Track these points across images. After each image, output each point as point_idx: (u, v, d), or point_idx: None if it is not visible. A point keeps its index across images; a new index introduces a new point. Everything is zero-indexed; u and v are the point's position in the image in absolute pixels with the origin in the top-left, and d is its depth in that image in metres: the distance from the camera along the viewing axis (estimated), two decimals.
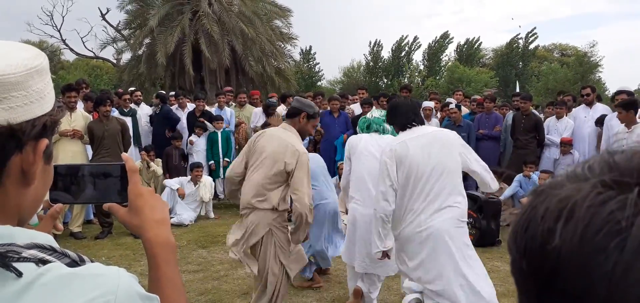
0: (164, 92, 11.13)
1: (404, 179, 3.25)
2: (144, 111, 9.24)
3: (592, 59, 30.13)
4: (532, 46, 37.11)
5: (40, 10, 32.49)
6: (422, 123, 3.46)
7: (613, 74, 56.46)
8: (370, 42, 38.45)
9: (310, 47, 37.59)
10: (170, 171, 8.22)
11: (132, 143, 7.66)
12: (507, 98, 18.16)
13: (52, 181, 0.84)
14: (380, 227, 3.29)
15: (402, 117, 3.40)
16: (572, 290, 0.43)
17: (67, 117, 6.48)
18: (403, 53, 37.32)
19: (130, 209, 0.93)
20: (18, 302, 0.63)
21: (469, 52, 37.73)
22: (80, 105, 7.22)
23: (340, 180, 5.14)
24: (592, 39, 58.54)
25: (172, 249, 0.91)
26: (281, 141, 3.45)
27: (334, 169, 7.41)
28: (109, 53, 31.81)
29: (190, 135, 8.72)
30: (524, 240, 0.47)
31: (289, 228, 3.62)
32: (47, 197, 0.86)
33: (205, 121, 8.64)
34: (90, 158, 6.70)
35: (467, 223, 3.45)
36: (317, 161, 4.91)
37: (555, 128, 7.89)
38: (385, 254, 3.40)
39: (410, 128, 3.37)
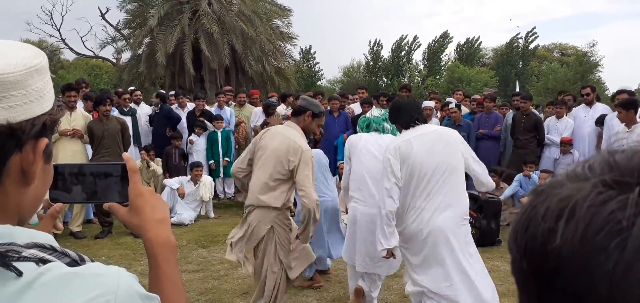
0: (163, 91, 11.13)
1: (407, 177, 3.26)
2: (144, 111, 9.24)
3: (592, 58, 30.13)
4: (532, 46, 37.12)
5: (40, 9, 32.35)
6: (425, 122, 3.49)
7: (613, 74, 56.55)
8: (370, 42, 38.53)
9: (310, 46, 37.65)
10: (170, 170, 8.22)
11: (131, 143, 7.66)
12: (507, 98, 18.15)
13: (52, 181, 0.84)
14: (385, 225, 3.28)
15: (406, 115, 3.42)
16: (573, 290, 0.43)
17: (66, 116, 6.48)
18: (403, 53, 37.32)
19: (131, 209, 0.93)
20: (18, 302, 0.63)
21: (469, 51, 37.73)
22: (80, 104, 7.22)
23: (340, 180, 5.14)
24: (592, 39, 58.71)
25: (172, 249, 0.91)
26: (284, 139, 3.46)
27: (334, 169, 7.41)
28: (108, 52, 31.87)
29: (190, 135, 8.71)
30: (524, 239, 0.47)
31: (294, 226, 3.63)
32: (47, 196, 0.86)
33: (205, 121, 8.64)
34: (90, 157, 6.70)
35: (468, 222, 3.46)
36: (317, 156, 4.91)
37: (555, 128, 7.89)
38: (391, 253, 3.36)
39: (413, 126, 3.38)
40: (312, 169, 3.41)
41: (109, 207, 0.95)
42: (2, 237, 0.67)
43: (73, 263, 0.70)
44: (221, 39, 17.00)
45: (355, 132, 4.54)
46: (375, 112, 4.20)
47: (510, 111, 8.72)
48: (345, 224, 4.70)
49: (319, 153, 5.15)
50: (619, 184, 0.43)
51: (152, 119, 8.97)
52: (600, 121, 7.31)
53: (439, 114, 8.70)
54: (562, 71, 28.79)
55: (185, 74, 17.36)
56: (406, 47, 37.38)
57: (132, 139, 7.61)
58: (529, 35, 36.92)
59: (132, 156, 6.64)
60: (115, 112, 7.65)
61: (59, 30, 27.12)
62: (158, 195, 0.97)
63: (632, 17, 62.61)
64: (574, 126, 7.76)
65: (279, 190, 3.43)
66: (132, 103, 8.98)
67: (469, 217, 3.40)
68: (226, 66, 17.35)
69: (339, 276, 5.12)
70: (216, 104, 9.41)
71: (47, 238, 0.71)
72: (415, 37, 37.32)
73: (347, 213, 4.48)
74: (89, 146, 6.79)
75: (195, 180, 7.73)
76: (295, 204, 4.93)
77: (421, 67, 38.07)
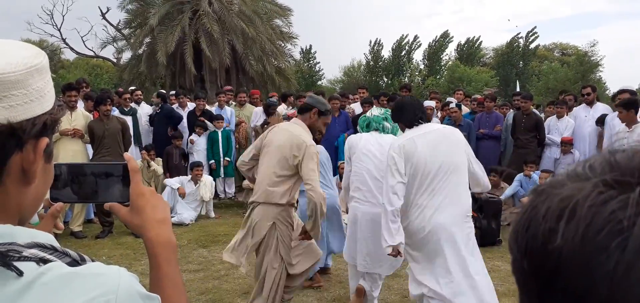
0: (164, 91, 11.13)
1: (411, 175, 3.29)
2: (145, 111, 9.24)
3: (592, 58, 30.12)
4: (532, 46, 37.11)
5: (41, 9, 32.48)
6: (429, 121, 3.51)
7: (613, 74, 56.51)
8: (370, 42, 38.55)
9: (311, 46, 37.66)
10: (171, 170, 8.22)
11: (132, 142, 7.66)
12: (508, 97, 18.15)
13: (53, 180, 0.84)
14: (390, 222, 3.27)
15: (410, 114, 3.44)
16: (574, 290, 0.43)
17: (67, 116, 6.48)
18: (403, 52, 37.33)
19: (132, 208, 0.93)
20: (19, 301, 0.64)
21: (470, 51, 37.73)
22: (80, 104, 7.22)
23: (341, 180, 5.14)
24: (593, 39, 58.63)
25: (173, 249, 0.92)
26: (289, 135, 3.49)
27: (335, 169, 7.41)
28: (109, 52, 31.88)
29: (190, 134, 8.71)
30: (525, 239, 0.47)
31: (299, 222, 3.63)
32: (47, 196, 0.86)
33: (206, 121, 8.64)
34: (90, 157, 6.70)
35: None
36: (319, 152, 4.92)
37: (556, 127, 7.89)
38: (396, 250, 3.33)
39: (417, 125, 3.41)
40: (318, 164, 3.44)
41: (110, 207, 0.95)
42: (3, 237, 0.67)
43: (73, 263, 0.70)
44: (222, 38, 16.99)
45: (355, 132, 4.54)
46: (376, 111, 4.20)
47: (511, 110, 8.72)
48: (346, 223, 4.70)
49: (320, 149, 5.15)
50: (620, 184, 0.43)
51: (152, 119, 8.97)
52: (600, 121, 7.31)
53: (439, 114, 8.70)
54: (562, 71, 28.79)
55: (185, 74, 17.36)
56: (406, 47, 37.40)
57: (132, 139, 7.61)
58: (530, 35, 36.93)
59: (133, 155, 6.63)
60: (115, 112, 7.65)
61: (59, 30, 27.19)
62: (159, 195, 0.97)
63: (632, 17, 62.61)
64: (574, 125, 7.76)
65: (283, 186, 3.44)
66: (133, 103, 8.98)
67: (471, 215, 3.42)
68: (227, 66, 17.35)
69: (339, 276, 5.12)
70: (216, 104, 9.41)
71: (48, 238, 0.71)
72: (416, 37, 37.39)
73: (347, 212, 4.48)
74: (89, 146, 6.79)
75: (195, 180, 7.73)
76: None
77: (422, 67, 38.08)
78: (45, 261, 0.66)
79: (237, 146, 8.82)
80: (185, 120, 8.96)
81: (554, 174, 0.49)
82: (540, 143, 7.86)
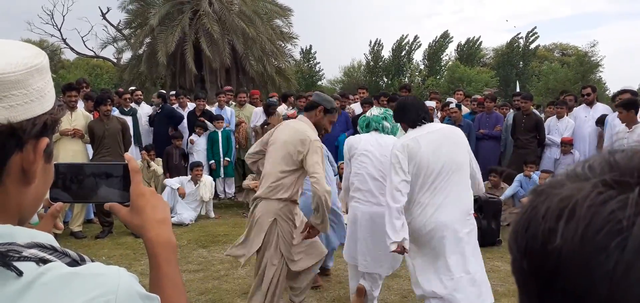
0: (164, 91, 11.13)
1: (414, 174, 3.32)
2: (145, 111, 9.24)
3: (592, 58, 30.13)
4: (532, 46, 37.11)
5: (41, 9, 32.58)
6: (431, 121, 3.53)
7: (613, 74, 56.46)
8: (370, 42, 38.55)
9: (311, 46, 37.67)
10: (171, 170, 8.23)
11: (132, 142, 7.66)
12: (508, 98, 18.16)
13: (53, 180, 0.84)
14: (394, 218, 3.28)
15: (413, 114, 3.46)
16: (573, 290, 0.43)
17: (67, 116, 6.48)
18: (403, 53, 37.33)
19: (132, 209, 0.93)
20: (19, 301, 0.64)
21: (470, 51, 37.74)
22: (80, 104, 7.22)
23: (341, 180, 5.14)
24: (593, 39, 58.67)
25: (173, 249, 0.92)
26: (293, 131, 3.53)
27: (335, 169, 7.40)
28: (109, 52, 31.90)
29: (190, 134, 8.72)
30: (524, 239, 0.47)
31: (302, 218, 3.64)
32: (47, 196, 0.86)
33: (206, 121, 8.64)
34: (90, 157, 6.70)
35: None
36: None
37: (556, 128, 7.89)
38: (401, 247, 3.32)
39: (420, 125, 3.42)
40: (322, 158, 3.45)
41: (110, 207, 0.95)
42: (3, 237, 0.67)
43: (73, 263, 0.70)
44: (222, 39, 17.00)
45: (355, 132, 4.54)
46: (375, 111, 4.21)
47: (511, 111, 8.72)
48: (346, 224, 4.70)
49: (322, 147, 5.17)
50: (619, 184, 0.43)
51: (152, 119, 8.97)
52: (600, 121, 7.31)
53: (439, 114, 8.70)
54: (562, 71, 28.80)
55: (186, 74, 17.37)
56: (406, 47, 37.40)
57: (132, 139, 7.61)
58: (530, 35, 36.94)
59: (133, 156, 6.64)
60: (115, 112, 7.65)
61: (59, 30, 27.20)
62: (159, 195, 0.97)
63: (632, 17, 62.63)
64: (574, 126, 7.76)
65: (287, 181, 3.47)
66: (133, 103, 8.99)
67: (472, 212, 3.45)
68: (227, 66, 17.36)
69: (339, 276, 5.12)
70: (216, 104, 9.41)
71: (48, 238, 0.71)
72: (416, 37, 37.39)
73: (347, 212, 4.48)
74: (89, 146, 6.79)
75: (195, 180, 7.73)
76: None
77: (422, 67, 38.09)
78: (45, 261, 0.66)
79: (237, 147, 8.82)
80: (185, 120, 8.96)
81: (553, 175, 0.49)
82: (540, 143, 7.87)
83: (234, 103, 9.51)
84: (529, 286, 0.48)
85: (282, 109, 9.01)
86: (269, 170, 3.52)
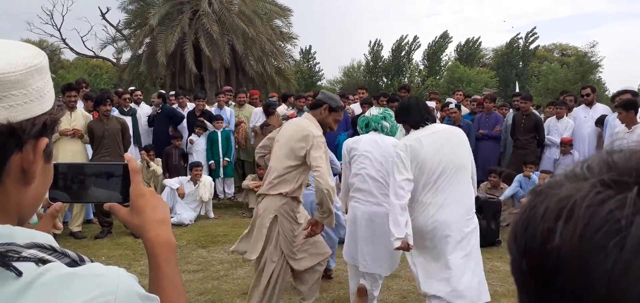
0: (164, 91, 11.12)
1: (416, 174, 3.33)
2: (144, 111, 9.23)
3: (592, 59, 30.15)
4: (532, 46, 37.12)
5: (41, 9, 32.49)
6: (434, 121, 3.55)
7: (613, 74, 56.49)
8: (370, 42, 38.54)
9: (310, 46, 37.66)
10: (170, 170, 8.22)
11: (132, 143, 7.66)
12: (507, 98, 18.17)
13: (52, 180, 0.84)
14: (398, 215, 3.27)
15: (416, 115, 3.48)
16: (572, 289, 0.43)
17: (67, 116, 6.48)
18: (403, 53, 37.34)
19: (132, 209, 0.93)
20: (18, 302, 0.64)
21: (469, 52, 37.76)
22: (80, 104, 7.22)
23: (340, 181, 5.13)
24: (593, 39, 58.71)
25: (172, 249, 0.92)
26: (297, 127, 3.56)
27: (337, 169, 7.41)
28: (109, 52, 31.84)
29: (190, 135, 8.71)
30: (523, 239, 0.48)
31: (305, 215, 3.65)
32: (46, 196, 0.86)
33: (205, 121, 8.64)
34: (90, 157, 6.70)
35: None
36: None
37: (556, 128, 7.90)
38: (405, 243, 3.30)
39: (423, 125, 3.44)
40: (326, 153, 3.46)
41: (110, 207, 0.95)
42: (2, 237, 0.67)
43: (73, 263, 0.70)
44: (221, 39, 17.00)
45: (355, 132, 4.54)
46: (374, 111, 4.21)
47: (511, 111, 8.72)
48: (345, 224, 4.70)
49: None
50: (617, 183, 0.43)
51: (151, 119, 8.97)
52: (600, 122, 7.31)
53: (439, 115, 8.70)
54: (562, 72, 28.82)
55: (185, 74, 17.37)
56: (406, 48, 37.41)
57: (132, 139, 7.61)
58: (529, 35, 36.95)
59: (132, 156, 6.64)
60: (115, 112, 7.65)
61: (59, 30, 27.18)
62: (159, 196, 0.97)
63: (632, 17, 62.66)
64: (574, 126, 7.77)
65: (289, 176, 3.49)
66: (133, 103, 8.98)
67: (474, 212, 3.47)
68: (226, 66, 17.36)
69: (339, 276, 5.12)
70: (216, 104, 9.41)
71: (47, 238, 0.71)
72: (416, 38, 37.40)
73: (347, 213, 4.47)
74: (89, 146, 6.79)
75: (195, 180, 7.73)
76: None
77: (421, 67, 38.10)
78: (44, 261, 0.66)
79: (237, 147, 8.82)
80: (184, 120, 8.96)
81: (553, 175, 0.49)
82: (539, 143, 7.87)
83: (233, 103, 9.51)
84: (528, 286, 0.48)
85: (282, 109, 9.01)
86: (274, 166, 3.56)
